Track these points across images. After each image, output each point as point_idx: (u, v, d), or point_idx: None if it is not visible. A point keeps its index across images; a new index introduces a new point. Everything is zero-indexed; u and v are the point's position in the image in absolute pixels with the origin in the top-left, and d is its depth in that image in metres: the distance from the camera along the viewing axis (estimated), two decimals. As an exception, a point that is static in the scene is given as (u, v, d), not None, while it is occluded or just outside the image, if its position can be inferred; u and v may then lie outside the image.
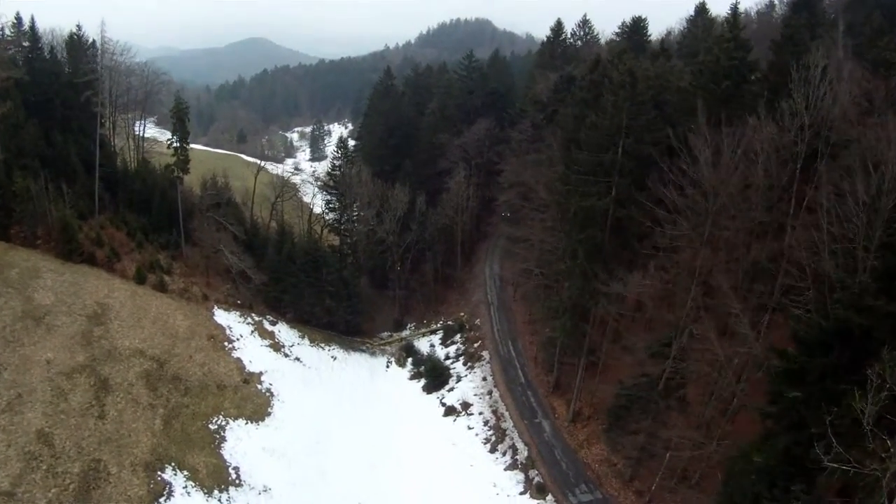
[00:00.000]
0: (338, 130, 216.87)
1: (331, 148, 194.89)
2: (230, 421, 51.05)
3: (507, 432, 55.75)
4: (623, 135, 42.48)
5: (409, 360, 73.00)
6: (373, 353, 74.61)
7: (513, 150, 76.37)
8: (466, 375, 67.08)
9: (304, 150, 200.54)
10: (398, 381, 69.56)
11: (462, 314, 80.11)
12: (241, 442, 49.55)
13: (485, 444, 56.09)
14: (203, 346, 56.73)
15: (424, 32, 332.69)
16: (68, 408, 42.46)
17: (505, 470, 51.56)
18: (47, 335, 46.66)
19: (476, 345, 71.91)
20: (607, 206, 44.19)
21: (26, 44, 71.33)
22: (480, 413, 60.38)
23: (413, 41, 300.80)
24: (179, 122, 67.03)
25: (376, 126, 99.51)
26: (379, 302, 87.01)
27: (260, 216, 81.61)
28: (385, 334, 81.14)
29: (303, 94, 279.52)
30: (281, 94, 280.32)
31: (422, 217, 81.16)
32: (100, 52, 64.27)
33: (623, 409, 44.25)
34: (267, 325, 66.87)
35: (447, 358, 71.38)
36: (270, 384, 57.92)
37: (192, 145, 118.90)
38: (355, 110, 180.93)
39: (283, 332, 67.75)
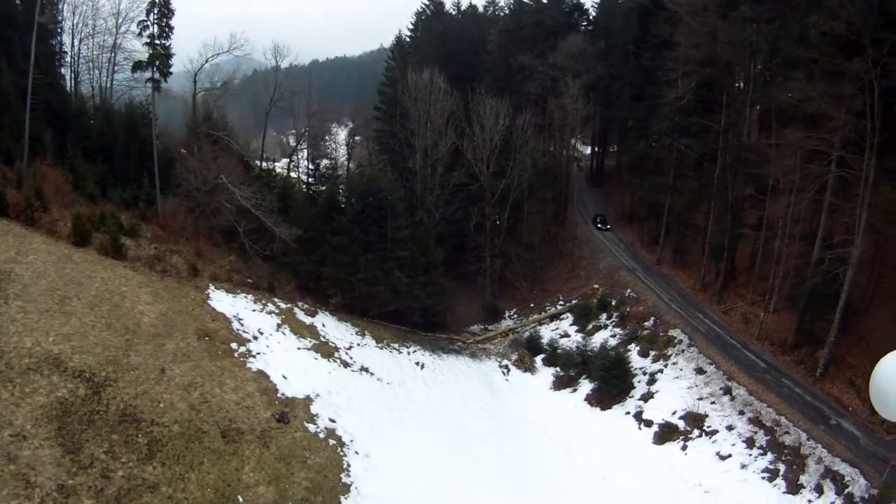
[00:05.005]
0: (338, 130, 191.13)
1: (331, 145, 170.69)
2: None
3: (800, 451, 28.06)
4: None
5: (539, 359, 44.23)
6: (473, 356, 45.48)
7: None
8: (661, 371, 38.16)
9: (301, 151, 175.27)
10: (536, 393, 40.33)
11: (596, 286, 51.61)
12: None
13: (768, 479, 27.95)
14: (190, 349, 27.68)
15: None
16: None
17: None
18: None
19: (647, 324, 43.46)
20: None
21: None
22: (729, 427, 31.68)
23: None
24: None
25: (428, 57, 74.61)
26: (452, 283, 56.87)
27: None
28: (476, 328, 52.19)
29: (297, 95, 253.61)
30: (271, 96, 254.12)
31: (523, 147, 52.79)
32: None
33: None
34: (301, 316, 38.15)
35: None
36: (332, 419, 28.96)
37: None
38: (355, 109, 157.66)
39: (330, 326, 39.04)
